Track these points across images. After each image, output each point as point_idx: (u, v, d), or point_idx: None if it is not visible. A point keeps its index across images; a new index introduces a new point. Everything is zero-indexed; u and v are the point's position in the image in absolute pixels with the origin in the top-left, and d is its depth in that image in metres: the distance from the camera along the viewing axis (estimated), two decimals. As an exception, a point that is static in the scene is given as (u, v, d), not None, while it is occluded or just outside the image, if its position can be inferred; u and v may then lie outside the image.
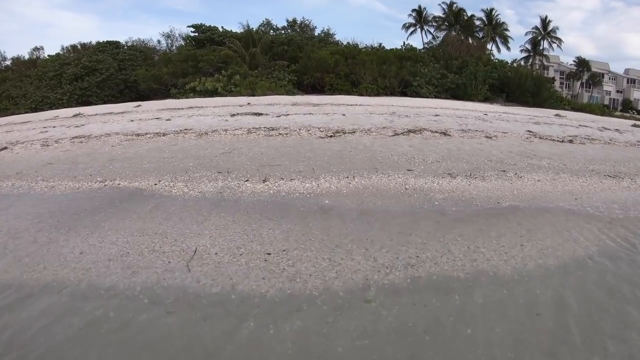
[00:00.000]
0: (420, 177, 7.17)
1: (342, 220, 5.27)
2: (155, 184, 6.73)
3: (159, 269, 4.14)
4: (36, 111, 23.97)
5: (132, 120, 13.35)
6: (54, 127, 13.07)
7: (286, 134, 10.23)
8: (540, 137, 11.85)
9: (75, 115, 16.41)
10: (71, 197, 6.31)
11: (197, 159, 8.07)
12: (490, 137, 11.00)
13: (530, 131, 12.75)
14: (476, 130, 11.85)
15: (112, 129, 11.76)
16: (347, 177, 6.93)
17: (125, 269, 4.15)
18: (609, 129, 15.78)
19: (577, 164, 9.26)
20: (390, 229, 5.05)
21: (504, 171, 7.97)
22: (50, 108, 25.12)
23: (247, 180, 6.83)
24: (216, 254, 4.45)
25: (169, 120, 13.02)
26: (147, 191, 6.43)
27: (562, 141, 11.73)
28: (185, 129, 11.02)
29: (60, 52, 35.36)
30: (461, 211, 5.79)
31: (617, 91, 59.34)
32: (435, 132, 11.12)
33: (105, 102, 26.33)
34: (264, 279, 3.94)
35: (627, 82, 59.85)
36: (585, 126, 15.90)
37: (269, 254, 4.41)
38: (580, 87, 55.42)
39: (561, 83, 53.23)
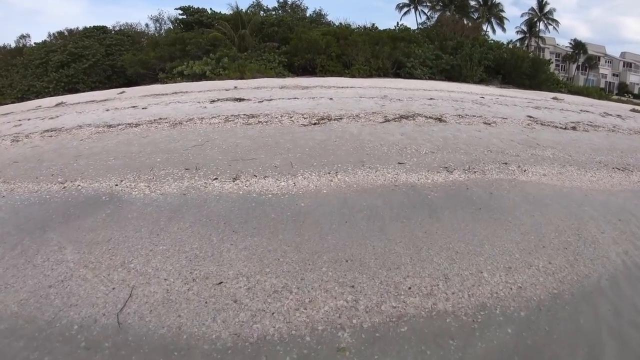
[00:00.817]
0: (412, 172, 6.32)
1: (320, 230, 4.41)
2: (116, 185, 5.88)
3: (100, 301, 3.40)
4: (22, 101, 23.06)
5: (107, 110, 12.32)
6: (29, 119, 12.07)
7: (266, 122, 9.28)
8: (542, 124, 11.03)
9: (57, 105, 15.46)
10: (27, 202, 5.46)
11: (167, 153, 7.17)
12: (490, 124, 10.15)
13: (530, 117, 11.92)
14: (474, 116, 10.98)
15: (85, 120, 10.76)
16: (329, 173, 6.05)
17: (64, 299, 3.43)
18: (610, 115, 15.00)
19: (583, 154, 8.48)
20: (375, 243, 4.22)
21: (506, 164, 7.15)
22: (37, 97, 24.18)
23: (216, 178, 5.93)
24: (165, 279, 3.66)
25: (145, 108, 11.97)
26: (106, 194, 5.59)
27: (565, 128, 10.93)
28: (160, 118, 10.03)
29: (47, 39, 34.05)
30: (460, 216, 4.96)
31: (613, 74, 58.64)
32: (430, 117, 10.23)
33: (92, 89, 25.39)
34: (215, 319, 3.11)
35: (623, 66, 59.14)
36: (587, 111, 15.12)
37: (221, 283, 3.56)
38: (576, 70, 54.68)
39: (557, 65, 52.38)
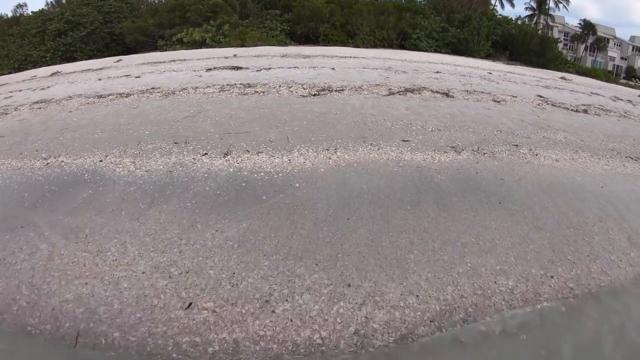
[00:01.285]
0: (417, 151, 5.85)
1: (314, 217, 3.99)
2: (101, 160, 5.44)
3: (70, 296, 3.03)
4: (20, 71, 22.32)
5: (99, 79, 11.69)
6: (20, 91, 11.45)
7: (263, 92, 8.68)
8: (552, 104, 10.48)
9: (53, 74, 14.77)
10: (9, 180, 5.05)
11: (156, 125, 6.66)
12: (499, 102, 9.61)
13: (540, 96, 11.36)
14: (482, 92, 10.42)
15: (76, 90, 10.17)
16: (328, 150, 5.56)
17: (30, 300, 3.13)
18: (621, 100, 14.41)
19: (595, 140, 8.00)
20: (377, 235, 3.80)
21: (517, 146, 6.69)
22: (34, 66, 23.39)
23: (206, 153, 5.45)
24: (143, 272, 3.32)
25: (139, 77, 11.34)
26: (89, 171, 5.16)
27: (577, 111, 10.39)
28: (152, 88, 9.43)
29: (44, 8, 33.03)
30: (469, 204, 4.53)
31: (622, 58, 57.27)
32: (437, 92, 9.66)
33: (90, 57, 24.53)
34: (180, 333, 2.74)
35: (633, 50, 57.70)
36: (597, 94, 14.52)
37: (199, 293, 3.15)
38: (584, 51, 53.35)
39: (565, 45, 51.01)
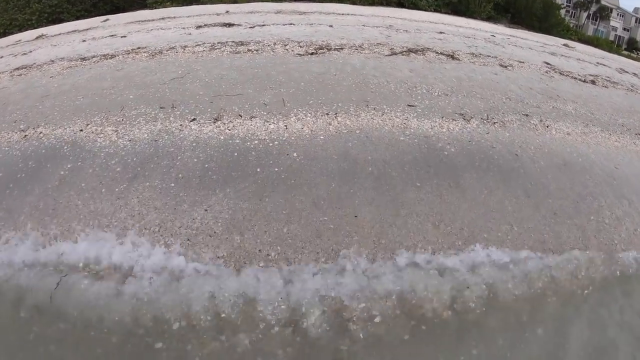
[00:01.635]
0: (424, 117, 5.38)
1: (314, 195, 3.56)
2: (81, 130, 4.92)
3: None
4: (5, 36, 20.54)
5: (83, 41, 10.72)
6: (1, 57, 10.53)
7: (257, 50, 7.98)
8: (560, 73, 9.99)
9: (38, 38, 13.62)
10: None
11: (141, 88, 6.07)
12: (506, 67, 9.08)
13: (547, 63, 10.83)
14: (488, 56, 9.84)
15: (58, 53, 9.33)
16: (328, 114, 5.04)
17: None
18: (627, 72, 13.93)
19: (605, 114, 7.60)
20: (385, 217, 3.38)
21: (527, 115, 6.26)
22: (20, 30, 21.81)
23: (194, 119, 4.92)
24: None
25: (124, 37, 10.41)
26: (69, 142, 4.67)
27: (585, 81, 9.93)
28: (138, 48, 8.64)
29: None
30: (483, 182, 4.13)
31: (624, 29, 56.17)
32: (441, 54, 9.06)
33: (77, 18, 22.48)
34: None
35: (636, 22, 56.59)
36: (603, 65, 14.02)
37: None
38: (586, 19, 52.10)
39: (567, 11, 49.69)
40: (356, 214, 3.38)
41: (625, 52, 34.09)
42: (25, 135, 4.99)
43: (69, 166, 4.18)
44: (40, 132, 5.03)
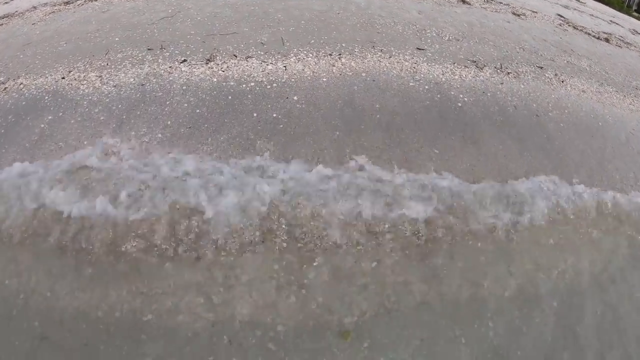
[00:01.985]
0: (435, 62, 4.92)
1: (318, 145, 3.15)
2: (63, 78, 4.47)
3: None
4: None
5: None
6: None
7: (253, -16, 7.28)
8: (574, 27, 9.43)
9: None
10: None
11: (128, 29, 5.51)
12: (519, 15, 8.49)
13: (561, 16, 10.22)
14: (500, 2, 9.18)
15: None
16: (331, 55, 4.54)
17: None
18: (639, 33, 13.37)
19: (619, 74, 7.17)
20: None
21: (542, 68, 5.84)
22: None
23: (185, 60, 4.42)
24: None
25: None
26: (50, 92, 4.25)
27: (599, 38, 9.40)
28: None
29: None
30: (503, 142, 3.79)
31: (634, -13, 54.34)
32: (451, -3, 8.42)
33: None
34: None
35: (647, -20, 54.61)
36: (616, 23, 13.34)
37: None
38: (596, -27, 50.10)
39: (577, -36, 47.57)
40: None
41: (636, 14, 32.95)
42: (5, 88, 4.56)
43: (49, 118, 3.79)
44: (21, 83, 4.59)
